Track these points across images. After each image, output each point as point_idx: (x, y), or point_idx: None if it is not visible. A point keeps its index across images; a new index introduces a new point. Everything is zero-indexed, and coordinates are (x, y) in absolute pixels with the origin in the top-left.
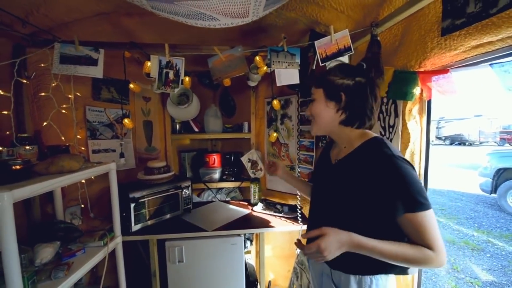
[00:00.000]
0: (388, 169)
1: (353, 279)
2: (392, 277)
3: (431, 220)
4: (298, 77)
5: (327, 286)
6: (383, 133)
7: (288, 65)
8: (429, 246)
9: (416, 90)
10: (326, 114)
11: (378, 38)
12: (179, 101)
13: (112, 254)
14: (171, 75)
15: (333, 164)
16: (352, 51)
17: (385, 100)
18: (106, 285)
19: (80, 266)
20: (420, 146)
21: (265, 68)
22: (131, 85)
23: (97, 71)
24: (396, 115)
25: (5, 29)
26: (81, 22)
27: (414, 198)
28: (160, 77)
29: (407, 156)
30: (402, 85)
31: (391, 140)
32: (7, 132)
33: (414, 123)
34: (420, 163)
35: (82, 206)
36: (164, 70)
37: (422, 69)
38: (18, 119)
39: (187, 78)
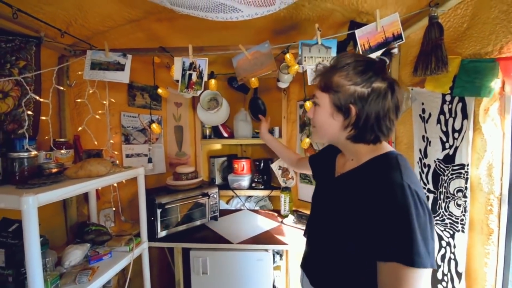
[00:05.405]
0: (387, 200)
1: None
2: None
3: (416, 282)
4: None
5: None
6: (444, 139)
7: (322, 61)
8: None
9: (495, 83)
10: (330, 127)
11: (439, 21)
12: (209, 106)
13: (139, 259)
14: (194, 76)
15: (336, 178)
16: (403, 39)
17: (448, 98)
18: None
19: (105, 271)
20: (502, 157)
21: (296, 67)
22: (160, 90)
23: (124, 76)
24: (465, 117)
25: (49, 41)
26: (116, 31)
27: (405, 249)
28: (183, 79)
29: (481, 170)
30: (475, 77)
31: (456, 149)
32: (46, 137)
33: (492, 126)
34: (502, 180)
35: (114, 209)
36: (188, 72)
37: (504, 55)
38: (60, 124)
39: (212, 81)
